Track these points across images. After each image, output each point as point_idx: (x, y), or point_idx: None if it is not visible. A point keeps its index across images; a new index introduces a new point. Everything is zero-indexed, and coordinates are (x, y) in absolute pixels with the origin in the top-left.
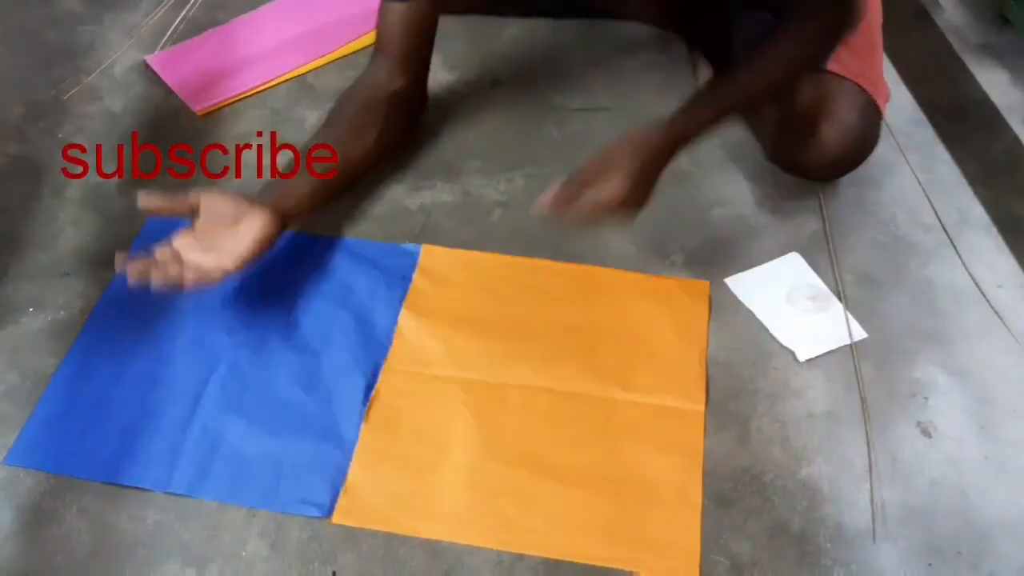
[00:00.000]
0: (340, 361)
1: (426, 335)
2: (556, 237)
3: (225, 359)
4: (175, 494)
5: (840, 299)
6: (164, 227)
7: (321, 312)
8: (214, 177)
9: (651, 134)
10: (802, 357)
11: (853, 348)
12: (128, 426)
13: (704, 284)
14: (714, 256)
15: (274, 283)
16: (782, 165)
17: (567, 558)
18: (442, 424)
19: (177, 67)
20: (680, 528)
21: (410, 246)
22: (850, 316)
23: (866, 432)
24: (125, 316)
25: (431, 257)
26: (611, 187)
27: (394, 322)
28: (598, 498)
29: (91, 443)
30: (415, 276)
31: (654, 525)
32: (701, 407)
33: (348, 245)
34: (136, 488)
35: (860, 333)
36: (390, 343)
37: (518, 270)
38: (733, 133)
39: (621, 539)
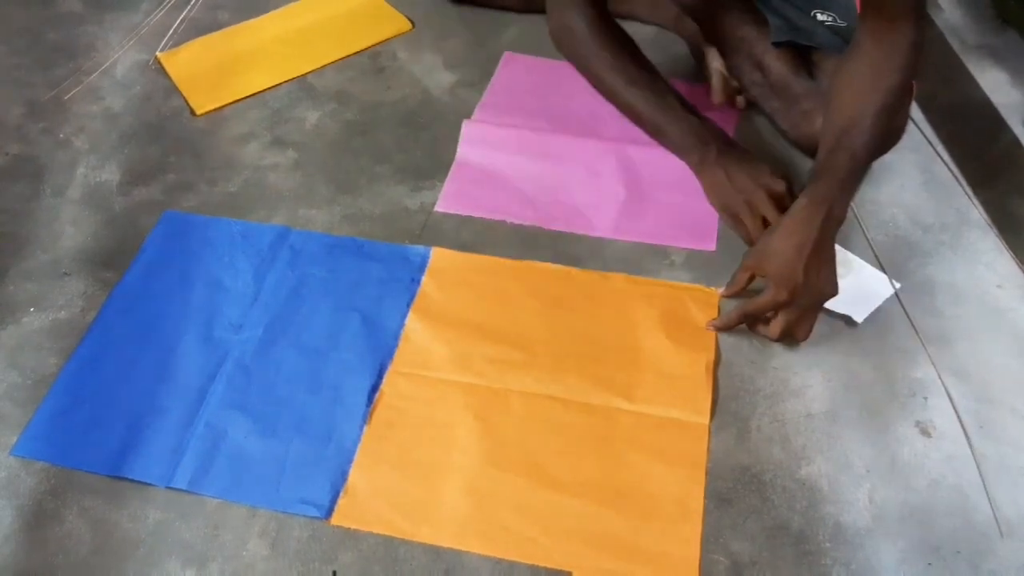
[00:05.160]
0: (345, 362)
1: (432, 338)
2: (555, 237)
3: (232, 356)
4: (177, 489)
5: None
6: (180, 220)
7: (329, 312)
8: (214, 177)
9: (800, 241)
10: (859, 318)
11: (899, 295)
12: (134, 420)
13: (714, 293)
14: (714, 256)
15: (283, 282)
16: (809, 146)
17: (565, 568)
18: (444, 428)
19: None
20: (679, 541)
21: (420, 248)
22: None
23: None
24: (135, 312)
25: (441, 260)
26: (804, 327)
27: (401, 324)
28: (598, 509)
29: (97, 436)
30: (424, 279)
31: (653, 538)
32: (706, 420)
33: (358, 246)
34: (138, 484)
35: (896, 284)
36: (396, 345)
37: (528, 276)
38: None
39: (619, 551)
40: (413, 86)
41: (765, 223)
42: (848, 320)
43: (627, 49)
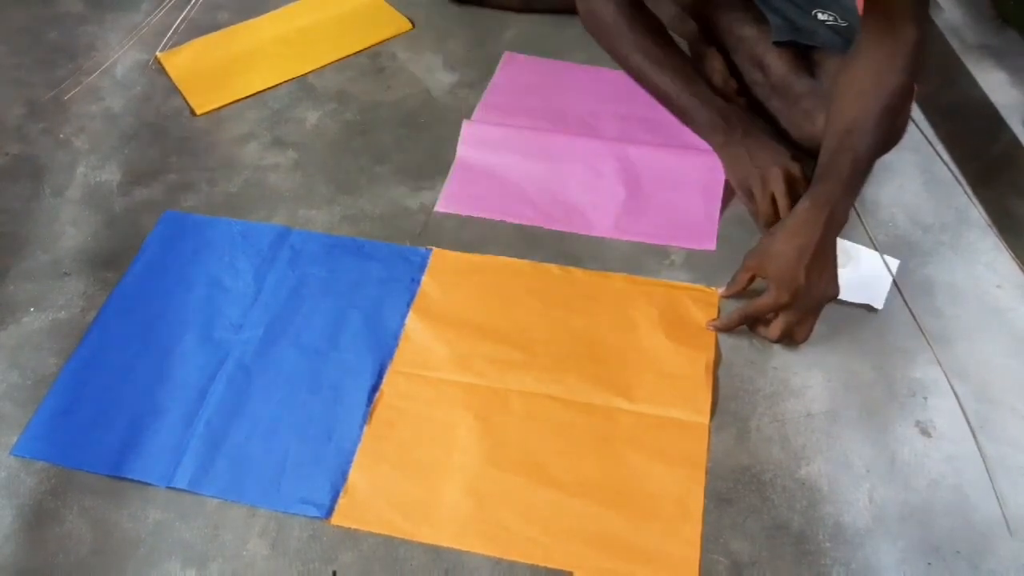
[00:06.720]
0: (346, 362)
1: (432, 338)
2: (555, 237)
3: (232, 356)
4: (177, 489)
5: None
6: (180, 220)
7: (329, 312)
8: (214, 177)
9: (801, 245)
10: (879, 304)
11: (896, 283)
12: (134, 420)
13: (714, 293)
14: (714, 256)
15: (283, 282)
16: (811, 146)
17: (565, 568)
18: (444, 428)
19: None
20: (679, 541)
21: (420, 248)
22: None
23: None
24: (135, 312)
25: (441, 261)
26: (803, 329)
27: (401, 324)
28: (598, 509)
29: (97, 436)
30: (424, 279)
31: (653, 538)
32: (706, 419)
33: (358, 246)
34: (138, 484)
35: (894, 263)
36: (396, 345)
37: (528, 276)
38: None
39: (619, 551)
40: (413, 86)
41: (777, 204)
42: (869, 308)
43: (656, 32)
